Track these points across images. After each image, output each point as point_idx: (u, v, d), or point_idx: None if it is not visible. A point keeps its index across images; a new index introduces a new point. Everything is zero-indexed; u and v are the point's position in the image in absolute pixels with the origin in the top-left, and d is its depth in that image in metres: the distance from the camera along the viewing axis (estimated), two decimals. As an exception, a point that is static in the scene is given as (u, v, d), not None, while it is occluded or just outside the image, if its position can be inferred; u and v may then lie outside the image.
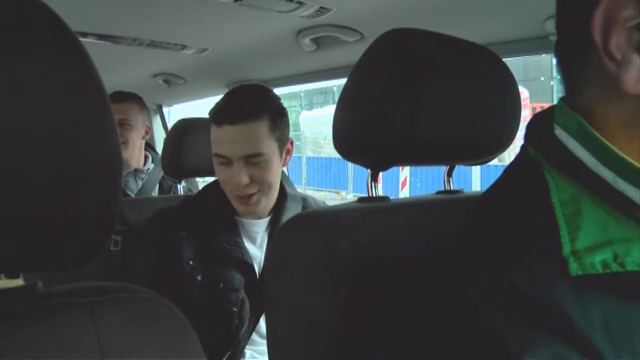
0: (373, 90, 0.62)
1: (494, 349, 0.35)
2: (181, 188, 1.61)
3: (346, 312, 0.58)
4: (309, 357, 0.61)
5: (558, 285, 0.35)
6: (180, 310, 0.47)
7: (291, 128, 1.14)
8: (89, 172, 0.37)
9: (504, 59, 0.69)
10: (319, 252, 0.60)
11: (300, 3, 1.00)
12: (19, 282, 0.42)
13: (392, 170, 0.70)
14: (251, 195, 1.05)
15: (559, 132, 0.41)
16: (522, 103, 0.73)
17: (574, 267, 0.35)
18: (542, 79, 9.16)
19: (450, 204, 0.74)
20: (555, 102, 0.45)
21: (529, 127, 0.46)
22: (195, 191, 1.63)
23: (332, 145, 0.71)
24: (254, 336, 1.09)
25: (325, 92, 13.03)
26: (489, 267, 0.38)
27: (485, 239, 0.41)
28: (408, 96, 0.61)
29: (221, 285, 1.04)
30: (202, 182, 1.69)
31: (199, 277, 1.03)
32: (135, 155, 1.66)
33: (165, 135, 1.83)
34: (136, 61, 1.56)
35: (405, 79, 0.60)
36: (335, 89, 11.93)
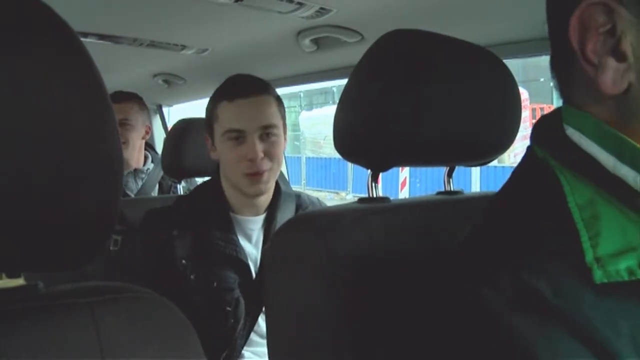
0: (373, 91, 0.62)
1: (521, 355, 0.34)
2: (181, 188, 1.61)
3: (346, 312, 0.58)
4: (309, 357, 0.61)
5: (582, 293, 0.34)
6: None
7: (291, 128, 1.17)
8: (89, 172, 0.37)
9: (504, 60, 0.69)
10: (319, 252, 0.60)
11: (301, 4, 1.00)
12: (19, 281, 0.42)
13: (392, 170, 0.70)
14: (263, 173, 1.06)
15: (571, 132, 0.41)
16: (522, 104, 0.73)
17: (598, 275, 0.35)
18: (542, 79, 9.14)
19: (451, 204, 0.74)
20: (554, 103, 0.46)
21: (536, 128, 0.46)
22: (195, 191, 1.63)
23: (331, 146, 0.71)
24: (253, 336, 1.09)
25: (325, 92, 13.02)
26: (507, 269, 0.37)
27: (501, 240, 0.40)
28: (408, 97, 0.61)
29: (215, 284, 1.03)
30: (201, 182, 1.69)
31: (192, 276, 1.03)
32: (135, 155, 1.66)
33: (165, 135, 1.83)
34: (136, 61, 1.56)
35: (405, 80, 0.60)
36: (335, 89, 11.92)
